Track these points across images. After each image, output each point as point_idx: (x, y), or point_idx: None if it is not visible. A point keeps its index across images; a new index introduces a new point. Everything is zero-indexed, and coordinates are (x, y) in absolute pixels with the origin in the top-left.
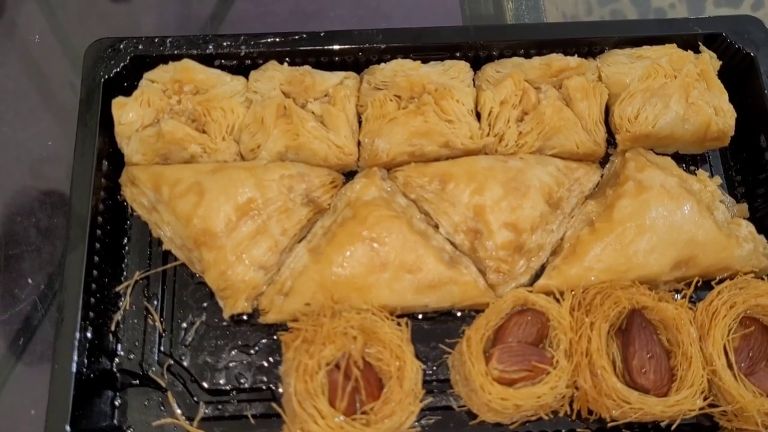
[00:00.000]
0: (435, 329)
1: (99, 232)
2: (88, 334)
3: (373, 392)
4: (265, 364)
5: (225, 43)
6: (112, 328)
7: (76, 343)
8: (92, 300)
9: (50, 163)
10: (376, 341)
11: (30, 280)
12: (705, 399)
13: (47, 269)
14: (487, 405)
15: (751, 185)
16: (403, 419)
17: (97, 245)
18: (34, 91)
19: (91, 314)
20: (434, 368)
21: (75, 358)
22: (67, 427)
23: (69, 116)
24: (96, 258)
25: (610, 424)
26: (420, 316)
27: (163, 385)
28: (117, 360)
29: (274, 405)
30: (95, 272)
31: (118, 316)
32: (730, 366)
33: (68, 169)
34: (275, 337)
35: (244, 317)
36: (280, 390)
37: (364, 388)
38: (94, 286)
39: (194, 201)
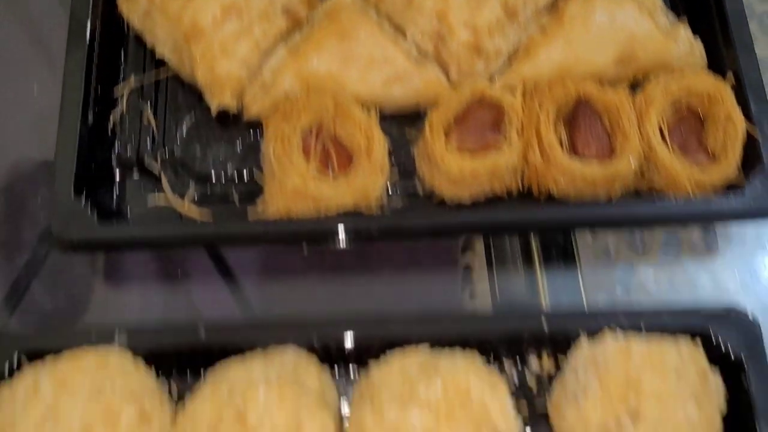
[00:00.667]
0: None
1: (97, 40)
2: (88, 129)
3: (343, 163)
4: (249, 155)
5: None
6: (110, 126)
7: (77, 139)
8: (91, 100)
9: None
10: (346, 119)
11: None
12: (642, 175)
13: None
14: (446, 176)
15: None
16: (371, 185)
17: (96, 51)
18: None
19: (90, 113)
20: (402, 159)
21: (76, 151)
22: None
23: None
24: (95, 61)
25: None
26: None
27: (157, 172)
28: (115, 153)
29: (255, 170)
30: (94, 74)
31: (116, 116)
32: (664, 140)
33: None
34: (256, 133)
35: (231, 117)
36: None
37: (335, 158)
38: (92, 86)
39: (183, 2)
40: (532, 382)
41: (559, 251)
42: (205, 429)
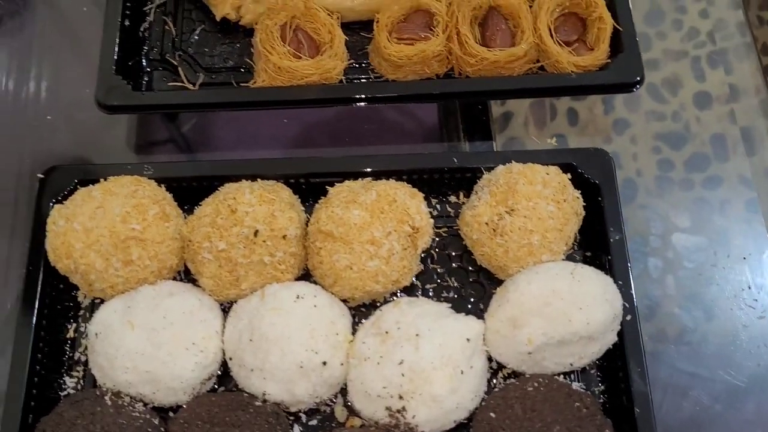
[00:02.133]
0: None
1: None
2: (125, 31)
3: (312, 53)
4: (244, 52)
5: None
6: (141, 31)
7: (117, 36)
8: (127, 11)
9: None
10: (315, 19)
11: None
12: (536, 62)
13: None
14: (389, 62)
15: None
16: (332, 68)
17: None
18: None
19: (126, 20)
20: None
21: (116, 44)
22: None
23: None
24: None
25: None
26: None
27: (176, 63)
28: (145, 52)
29: (247, 60)
30: None
31: (145, 25)
32: (551, 35)
33: None
34: (250, 39)
35: (231, 24)
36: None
37: (306, 47)
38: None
39: None
40: (449, 209)
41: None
42: (207, 221)
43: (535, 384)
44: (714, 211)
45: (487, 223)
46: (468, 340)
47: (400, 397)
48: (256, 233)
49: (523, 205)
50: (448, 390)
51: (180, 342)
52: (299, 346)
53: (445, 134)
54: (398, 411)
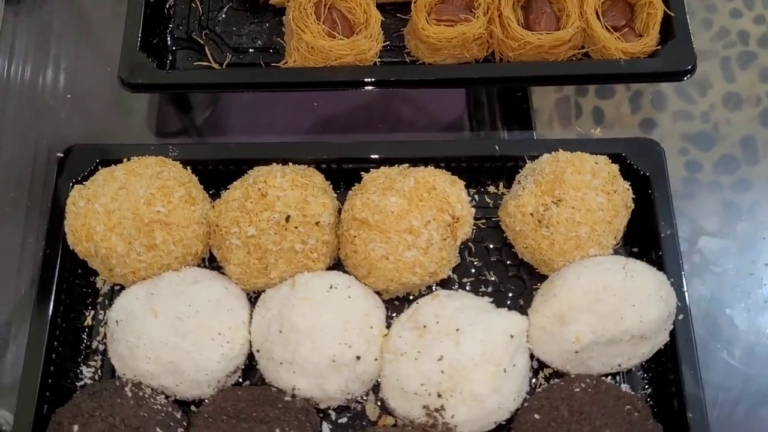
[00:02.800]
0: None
1: None
2: (150, 8)
3: (347, 33)
4: (273, 32)
5: None
6: (167, 8)
7: (141, 14)
8: None
9: None
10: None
11: None
12: (581, 48)
13: None
14: (427, 44)
15: None
16: (367, 49)
17: None
18: None
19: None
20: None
21: (141, 22)
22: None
23: None
24: None
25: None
26: None
27: (202, 43)
28: (170, 31)
29: (278, 39)
30: None
31: (170, 2)
32: (598, 19)
33: None
34: (280, 19)
35: (260, 3)
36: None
37: (340, 26)
38: None
39: None
40: (488, 199)
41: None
42: (235, 206)
43: (582, 385)
44: (743, 215)
45: (531, 214)
46: (511, 336)
47: (439, 395)
48: (287, 219)
49: (571, 195)
50: (489, 389)
51: (205, 332)
52: (332, 338)
53: (474, 124)
54: (436, 410)
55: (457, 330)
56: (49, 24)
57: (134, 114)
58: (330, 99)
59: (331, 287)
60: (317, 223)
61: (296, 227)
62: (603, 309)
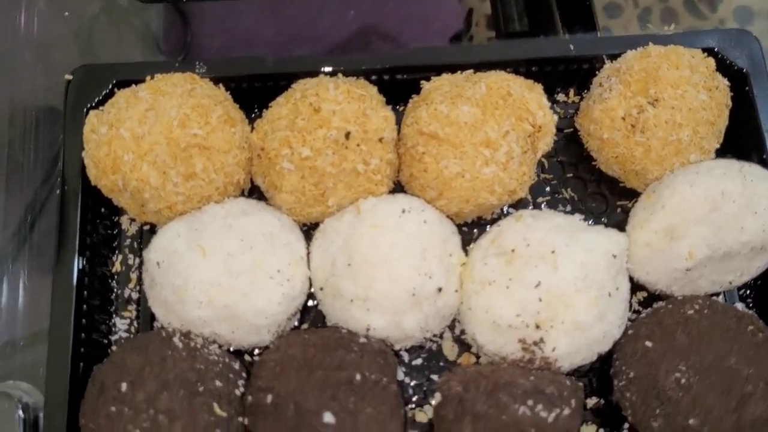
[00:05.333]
0: None
1: None
2: None
3: None
4: None
5: None
6: None
7: None
8: None
9: None
10: None
11: None
12: None
13: None
14: None
15: None
16: None
17: None
18: None
19: None
20: None
21: None
22: None
23: None
24: None
25: None
26: None
27: None
28: None
29: None
30: None
31: None
32: None
33: None
34: None
35: None
36: None
37: None
38: None
39: None
40: (559, 109)
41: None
42: (283, 124)
43: (696, 306)
44: None
45: (623, 118)
46: (614, 256)
47: (537, 327)
48: (347, 136)
49: (669, 93)
50: (594, 316)
51: (262, 270)
52: (410, 269)
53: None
54: (534, 343)
55: (553, 252)
56: None
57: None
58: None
59: (403, 211)
60: (380, 140)
61: (357, 145)
62: (721, 219)
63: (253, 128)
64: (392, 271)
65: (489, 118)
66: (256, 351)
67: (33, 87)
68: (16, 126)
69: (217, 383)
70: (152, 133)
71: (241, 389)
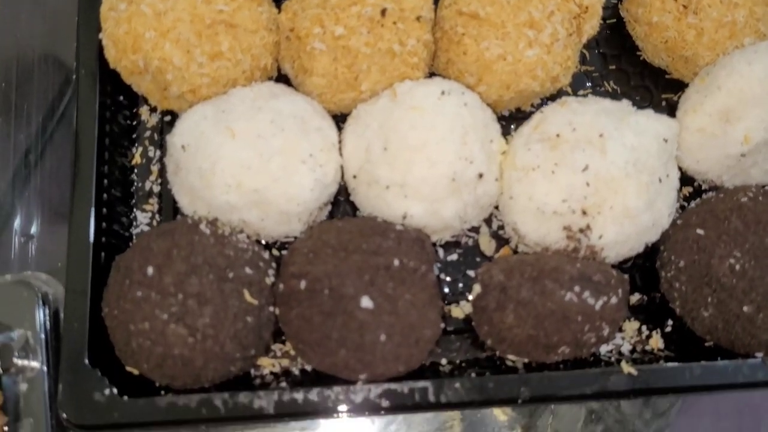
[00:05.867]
0: None
1: None
2: None
3: None
4: None
5: None
6: None
7: None
8: None
9: None
10: None
11: None
12: None
13: None
14: None
15: None
16: None
17: None
18: None
19: None
20: None
21: None
22: None
23: None
24: None
25: None
26: None
27: None
28: None
29: None
30: None
31: None
32: None
33: None
34: None
35: None
36: None
37: None
38: None
39: None
40: None
41: None
42: (315, 2)
43: (750, 194)
44: None
45: None
46: (665, 140)
47: (584, 213)
48: (383, 13)
49: None
50: (644, 203)
51: (295, 153)
52: (451, 154)
53: None
54: (581, 230)
55: (601, 136)
56: None
57: None
58: None
59: (442, 93)
60: (418, 18)
61: (394, 23)
62: None
63: (280, 10)
64: (431, 155)
65: None
66: (285, 245)
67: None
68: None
69: (247, 270)
70: (175, 9)
71: (272, 278)
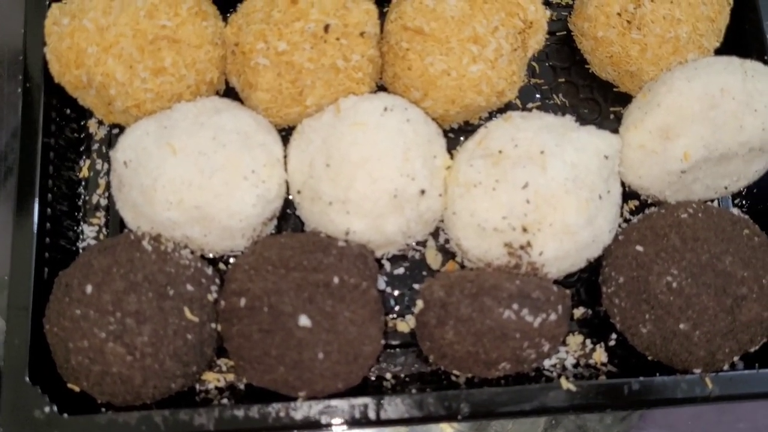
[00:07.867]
0: None
1: None
2: None
3: None
4: None
5: None
6: None
7: None
8: None
9: None
10: None
11: None
12: None
13: None
14: None
15: None
16: None
17: None
18: None
19: None
20: None
21: None
22: None
23: None
24: None
25: None
26: None
27: None
28: None
29: None
30: None
31: None
32: None
33: None
34: None
35: None
36: None
37: None
38: None
39: None
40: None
41: None
42: (259, 17)
43: (690, 210)
44: None
45: (619, 14)
46: (606, 157)
47: (524, 230)
48: (326, 29)
49: None
50: (584, 219)
51: (236, 169)
52: (393, 170)
53: None
54: (521, 247)
55: (542, 153)
56: None
57: None
58: None
59: (385, 109)
60: (362, 34)
61: (337, 39)
62: (719, 117)
63: (227, 24)
64: (373, 171)
65: (477, 13)
66: (231, 260)
67: None
68: None
69: (189, 287)
70: (118, 24)
71: (214, 295)
